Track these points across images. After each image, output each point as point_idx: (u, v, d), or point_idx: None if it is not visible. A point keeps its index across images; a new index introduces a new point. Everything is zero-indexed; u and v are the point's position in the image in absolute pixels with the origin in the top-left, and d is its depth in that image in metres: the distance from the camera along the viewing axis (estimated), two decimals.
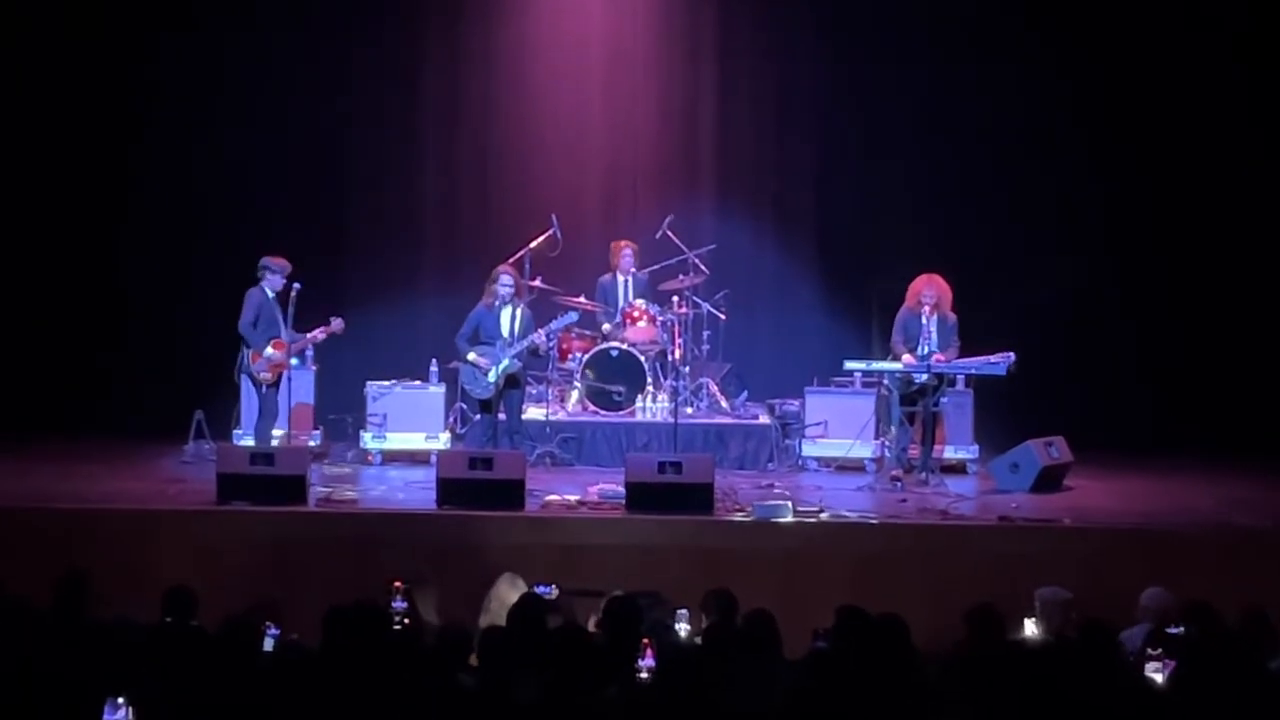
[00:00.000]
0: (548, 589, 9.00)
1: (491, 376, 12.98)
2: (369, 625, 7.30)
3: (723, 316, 14.67)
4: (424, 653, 7.16)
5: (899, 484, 12.82)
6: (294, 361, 13.20)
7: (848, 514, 11.75)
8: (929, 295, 13.10)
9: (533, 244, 14.48)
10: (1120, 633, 8.03)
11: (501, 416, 13.12)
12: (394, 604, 8.60)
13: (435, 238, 15.83)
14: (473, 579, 10.34)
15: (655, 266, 14.79)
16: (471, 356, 13.01)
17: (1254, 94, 15.20)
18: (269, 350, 12.79)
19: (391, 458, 13.89)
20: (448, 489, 11.64)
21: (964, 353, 13.14)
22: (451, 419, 14.12)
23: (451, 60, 15.74)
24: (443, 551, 10.93)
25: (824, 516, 11.63)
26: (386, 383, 14.06)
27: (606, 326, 14.56)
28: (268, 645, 7.71)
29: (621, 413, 14.11)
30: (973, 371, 13.28)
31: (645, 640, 7.37)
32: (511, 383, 13.06)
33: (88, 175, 15.38)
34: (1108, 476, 13.50)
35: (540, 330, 13.11)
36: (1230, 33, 15.14)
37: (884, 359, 13.31)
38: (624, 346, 14.19)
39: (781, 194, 15.81)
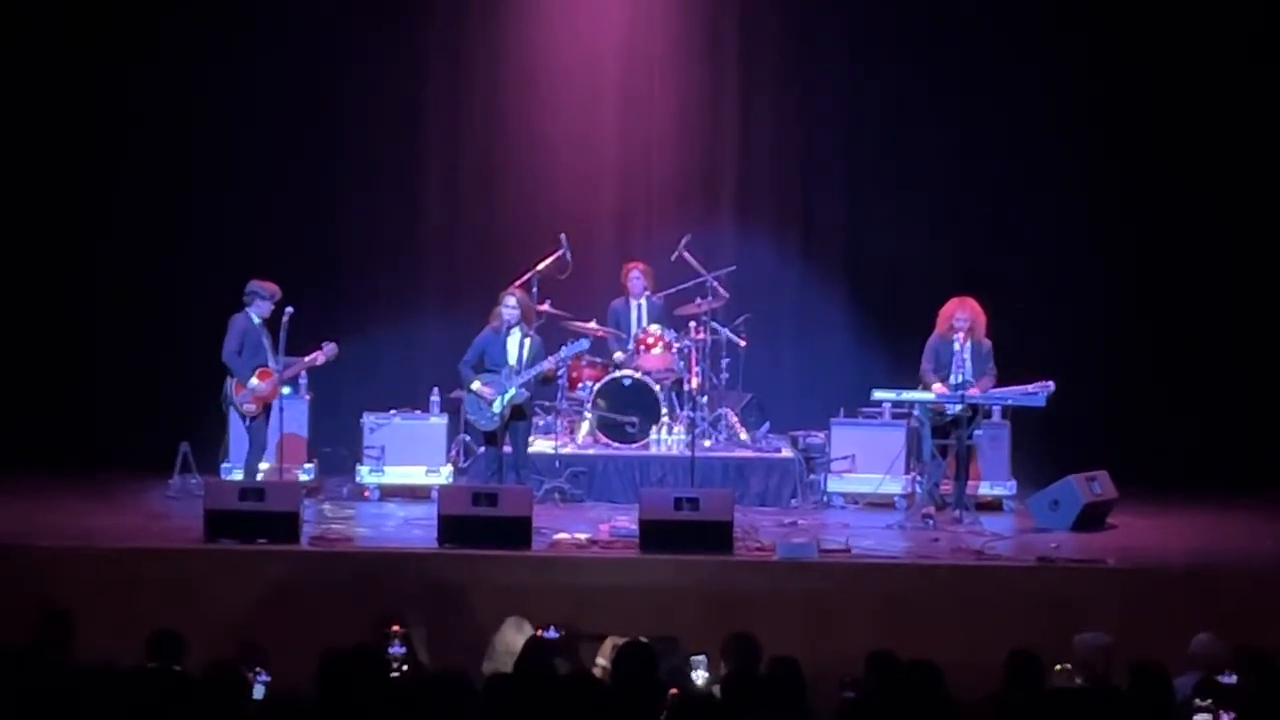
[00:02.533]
0: (555, 633, 9.00)
1: (496, 407, 12.96)
2: (366, 671, 7.29)
3: (743, 343, 14.66)
4: (425, 701, 7.15)
5: (931, 522, 12.80)
6: (286, 390, 13.22)
7: (877, 554, 11.74)
8: (962, 320, 13.09)
9: (541, 265, 14.49)
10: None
11: (507, 449, 13.10)
12: (392, 649, 8.60)
13: (436, 258, 15.82)
14: (476, 623, 10.40)
15: (671, 290, 14.79)
16: (476, 385, 12.99)
17: None
18: (254, 381, 12.80)
19: (390, 493, 13.88)
20: (450, 526, 11.63)
21: (1000, 382, 13.13)
22: (454, 452, 14.11)
23: (454, 67, 15.74)
24: (444, 593, 10.94)
25: (852, 556, 11.62)
26: (385, 413, 14.06)
27: (619, 354, 14.56)
28: (258, 693, 7.71)
29: (635, 445, 14.10)
30: (1009, 402, 13.26)
31: (673, 691, 7.35)
32: (517, 414, 13.04)
33: (66, 195, 15.39)
34: (1154, 514, 13.48)
35: (549, 358, 13.10)
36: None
37: (914, 388, 13.29)
38: (637, 375, 14.18)
39: (806, 212, 15.81)
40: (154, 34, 15.29)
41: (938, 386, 13.04)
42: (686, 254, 14.61)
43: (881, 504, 13.66)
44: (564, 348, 13.34)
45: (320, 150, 15.47)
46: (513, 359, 13.02)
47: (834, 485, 13.88)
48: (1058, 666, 8.61)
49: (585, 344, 13.60)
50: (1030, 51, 15.29)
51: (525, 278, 14.29)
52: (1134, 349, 15.44)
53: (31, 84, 15.29)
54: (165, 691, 7.32)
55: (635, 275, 14.65)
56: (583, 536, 11.98)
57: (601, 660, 8.95)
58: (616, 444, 14.09)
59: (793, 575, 11.23)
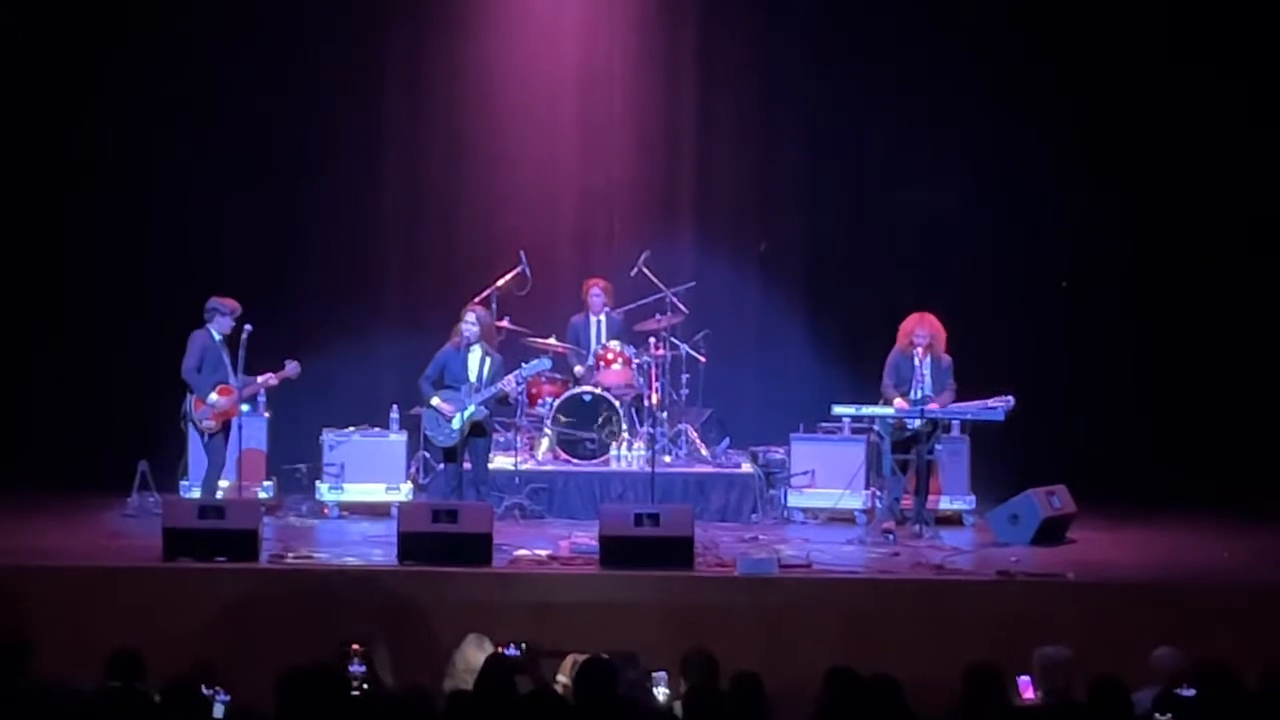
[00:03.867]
0: (516, 651, 8.99)
1: (456, 423, 12.97)
2: (325, 690, 7.28)
3: (702, 359, 14.68)
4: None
5: (891, 537, 12.82)
6: (245, 408, 13.19)
7: (837, 569, 11.76)
8: (921, 336, 13.14)
9: (500, 282, 14.50)
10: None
11: (467, 466, 13.10)
12: (352, 667, 8.58)
13: (396, 276, 15.82)
14: (436, 640, 10.37)
15: (631, 306, 14.80)
16: (435, 401, 13.00)
17: None
18: (214, 396, 12.78)
19: (350, 510, 13.86)
20: (409, 543, 11.60)
21: (960, 397, 13.18)
22: (413, 469, 14.09)
23: (414, 84, 15.75)
24: (404, 610, 10.91)
25: (812, 571, 11.64)
26: (344, 430, 14.04)
27: (579, 369, 14.57)
28: (218, 712, 7.69)
29: (595, 461, 14.10)
30: (969, 417, 13.32)
31: None
32: (477, 430, 13.05)
33: (25, 211, 15.33)
34: (1113, 528, 13.52)
35: (510, 376, 13.10)
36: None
37: (874, 403, 13.32)
38: (597, 391, 14.19)
39: (766, 228, 15.84)
40: (112, 52, 15.25)
41: (898, 401, 13.08)
42: (646, 270, 14.63)
43: (842, 519, 13.68)
44: (525, 365, 13.34)
45: (280, 168, 15.44)
46: (473, 376, 13.03)
47: (794, 500, 13.89)
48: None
49: (547, 363, 13.60)
50: (989, 69, 15.34)
51: (484, 294, 14.29)
52: (1093, 364, 15.51)
53: None
54: (125, 712, 7.30)
55: (596, 292, 14.65)
56: (543, 553, 11.97)
57: (562, 677, 8.93)
58: (577, 460, 14.09)
59: (753, 590, 11.23)
